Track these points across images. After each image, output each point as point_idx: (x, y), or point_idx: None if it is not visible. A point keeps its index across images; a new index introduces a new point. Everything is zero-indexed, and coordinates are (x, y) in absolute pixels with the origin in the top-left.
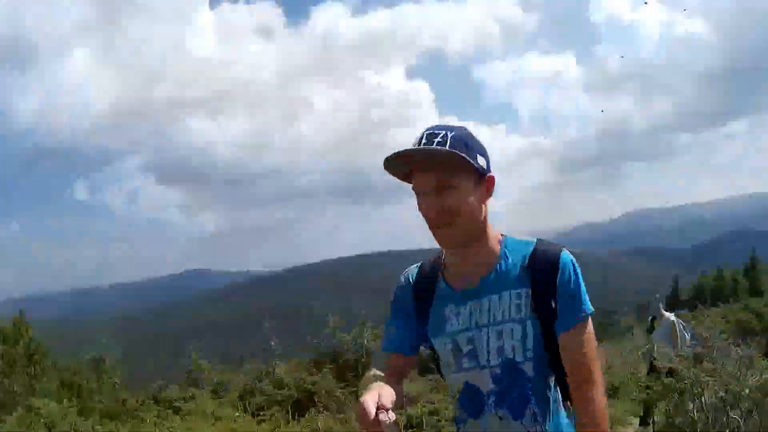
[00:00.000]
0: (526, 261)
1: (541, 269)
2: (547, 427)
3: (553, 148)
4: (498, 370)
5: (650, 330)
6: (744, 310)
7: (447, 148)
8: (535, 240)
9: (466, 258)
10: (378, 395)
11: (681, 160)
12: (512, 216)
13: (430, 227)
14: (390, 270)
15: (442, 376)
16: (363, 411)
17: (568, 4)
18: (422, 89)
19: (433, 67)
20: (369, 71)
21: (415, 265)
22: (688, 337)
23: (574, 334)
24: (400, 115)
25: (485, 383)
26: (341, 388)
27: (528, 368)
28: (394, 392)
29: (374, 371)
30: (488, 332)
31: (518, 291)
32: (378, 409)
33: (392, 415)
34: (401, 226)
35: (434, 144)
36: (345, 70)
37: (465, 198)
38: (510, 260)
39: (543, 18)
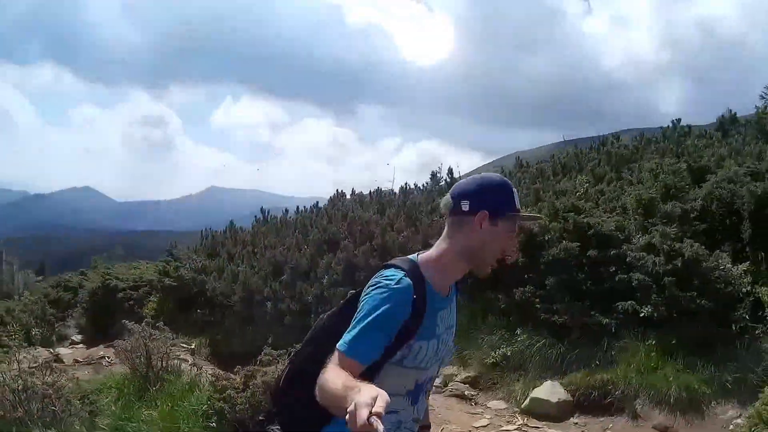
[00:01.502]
0: None
1: (458, 285)
2: None
3: None
4: (441, 361)
5: None
6: None
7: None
8: None
9: (461, 273)
10: (374, 399)
11: None
12: None
13: (496, 258)
14: None
15: (375, 370)
16: (355, 414)
17: None
18: None
19: None
20: None
21: (402, 275)
22: None
23: None
24: None
25: (431, 373)
26: None
27: None
28: (388, 396)
29: None
30: (450, 332)
31: (455, 297)
32: (371, 414)
33: (381, 428)
34: None
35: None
36: None
37: None
38: None
39: None
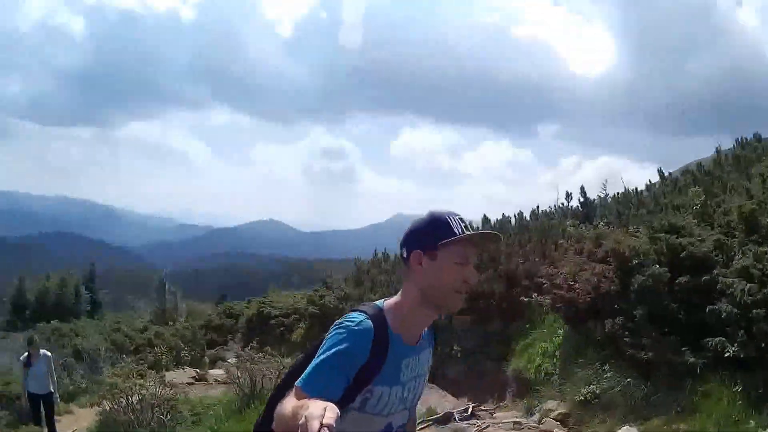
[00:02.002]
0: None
1: (433, 335)
2: None
3: None
4: (412, 410)
5: (27, 364)
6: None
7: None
8: None
9: (429, 321)
10: (324, 411)
11: (21, 147)
12: None
13: (457, 291)
14: None
15: (342, 412)
16: (305, 427)
17: None
18: None
19: None
20: None
21: (364, 318)
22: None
23: None
24: None
25: (400, 420)
26: None
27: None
28: (337, 409)
29: None
30: (419, 380)
31: (429, 348)
32: (321, 426)
33: None
34: None
35: (473, 229)
36: None
37: None
38: None
39: None
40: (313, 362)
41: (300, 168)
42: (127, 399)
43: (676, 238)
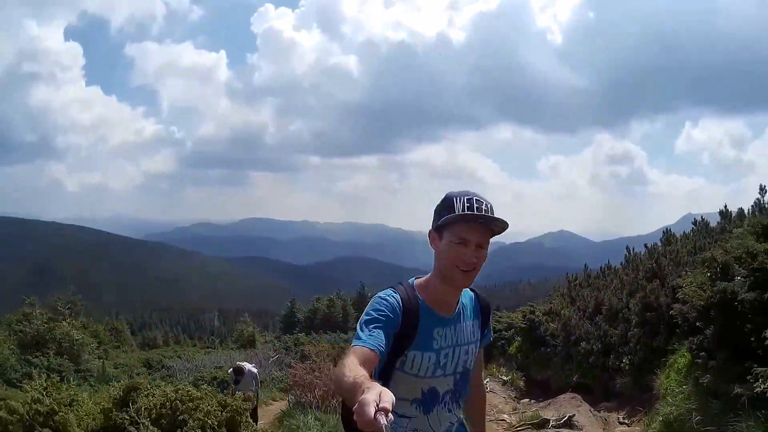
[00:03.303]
0: (474, 302)
1: (483, 309)
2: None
3: (185, 141)
4: (459, 376)
5: (235, 382)
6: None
7: (502, 219)
8: (470, 288)
9: (455, 294)
10: (379, 396)
11: (307, 180)
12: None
13: (458, 269)
14: None
15: (386, 379)
16: (362, 411)
17: (236, 3)
18: (76, 53)
19: (91, 32)
20: (32, 21)
21: (391, 289)
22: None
23: (481, 351)
24: (51, 73)
25: (445, 386)
26: None
27: (471, 374)
28: (393, 395)
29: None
30: (459, 350)
31: (473, 321)
32: (377, 411)
33: (391, 417)
34: None
35: (483, 210)
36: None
37: (486, 254)
38: (463, 299)
39: (207, 13)
40: (358, 325)
41: (588, 176)
42: None
43: None
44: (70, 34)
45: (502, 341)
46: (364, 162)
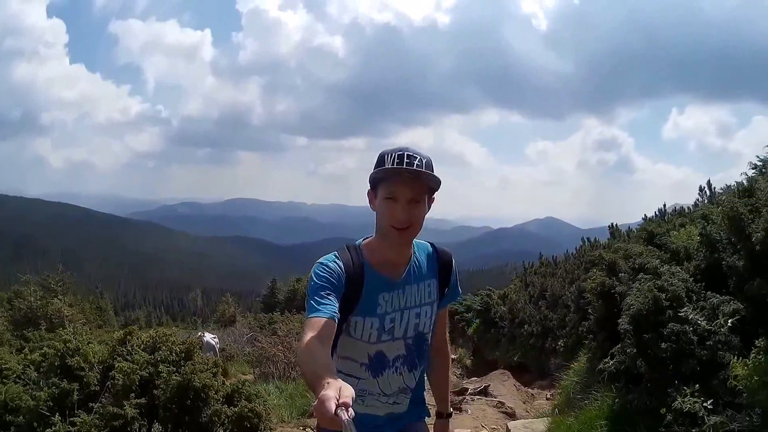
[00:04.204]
0: (432, 259)
1: (443, 267)
2: (419, 374)
3: (171, 119)
4: (410, 341)
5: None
6: None
7: (433, 173)
8: (429, 243)
9: (400, 254)
10: (339, 390)
11: (294, 160)
12: (117, 179)
13: (392, 227)
14: None
15: (334, 345)
16: (322, 407)
17: None
18: (59, 30)
19: (74, 9)
20: None
21: (334, 254)
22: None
23: (445, 310)
24: (34, 50)
25: (394, 351)
26: None
27: (429, 337)
28: (352, 389)
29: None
30: (409, 313)
31: (429, 281)
32: (337, 406)
33: (351, 413)
34: None
35: (414, 165)
36: None
37: (423, 211)
38: (419, 257)
39: None
40: (307, 294)
41: (575, 162)
42: None
43: None
44: (53, 10)
45: (462, 323)
46: (351, 144)
